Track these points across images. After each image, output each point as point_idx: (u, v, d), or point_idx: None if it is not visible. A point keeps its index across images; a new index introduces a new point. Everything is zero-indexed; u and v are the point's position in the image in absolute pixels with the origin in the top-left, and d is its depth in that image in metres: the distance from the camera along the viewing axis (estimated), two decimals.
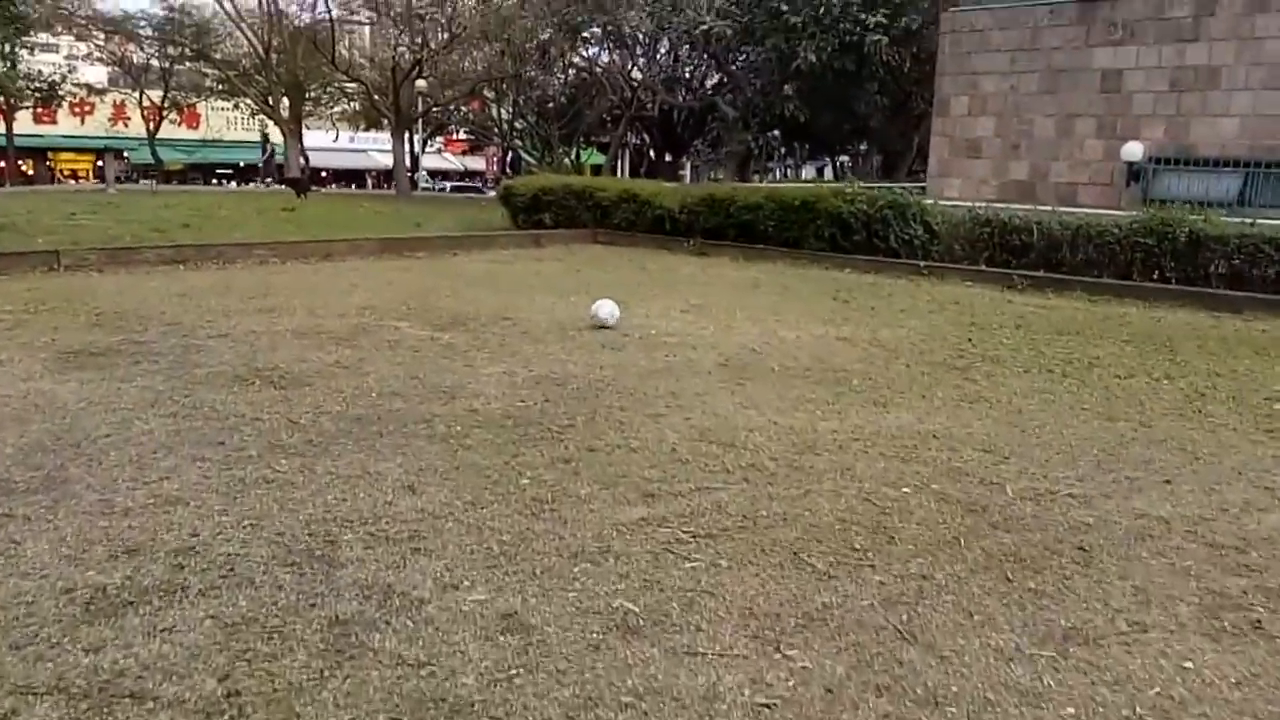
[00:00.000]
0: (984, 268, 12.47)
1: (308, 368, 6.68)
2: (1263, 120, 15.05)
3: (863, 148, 38.73)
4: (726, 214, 14.82)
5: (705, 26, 27.42)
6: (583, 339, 8.12)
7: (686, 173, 43.21)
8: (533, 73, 38.06)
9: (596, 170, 46.87)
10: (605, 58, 37.17)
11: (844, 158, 51.19)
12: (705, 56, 31.92)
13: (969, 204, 14.35)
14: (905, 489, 4.58)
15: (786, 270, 13.17)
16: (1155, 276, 11.27)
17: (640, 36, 30.86)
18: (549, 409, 5.82)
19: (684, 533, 3.95)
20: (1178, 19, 15.59)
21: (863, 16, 26.43)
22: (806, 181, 42.70)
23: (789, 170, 54.39)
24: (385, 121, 39.40)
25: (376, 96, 36.01)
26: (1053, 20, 16.99)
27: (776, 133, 33.31)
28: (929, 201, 13.76)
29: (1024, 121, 17.52)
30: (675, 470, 4.77)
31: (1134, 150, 15.98)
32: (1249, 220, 11.17)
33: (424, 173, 50.62)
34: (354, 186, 57.75)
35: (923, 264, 12.73)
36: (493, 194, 48.24)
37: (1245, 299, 10.42)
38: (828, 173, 54.44)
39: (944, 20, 18.74)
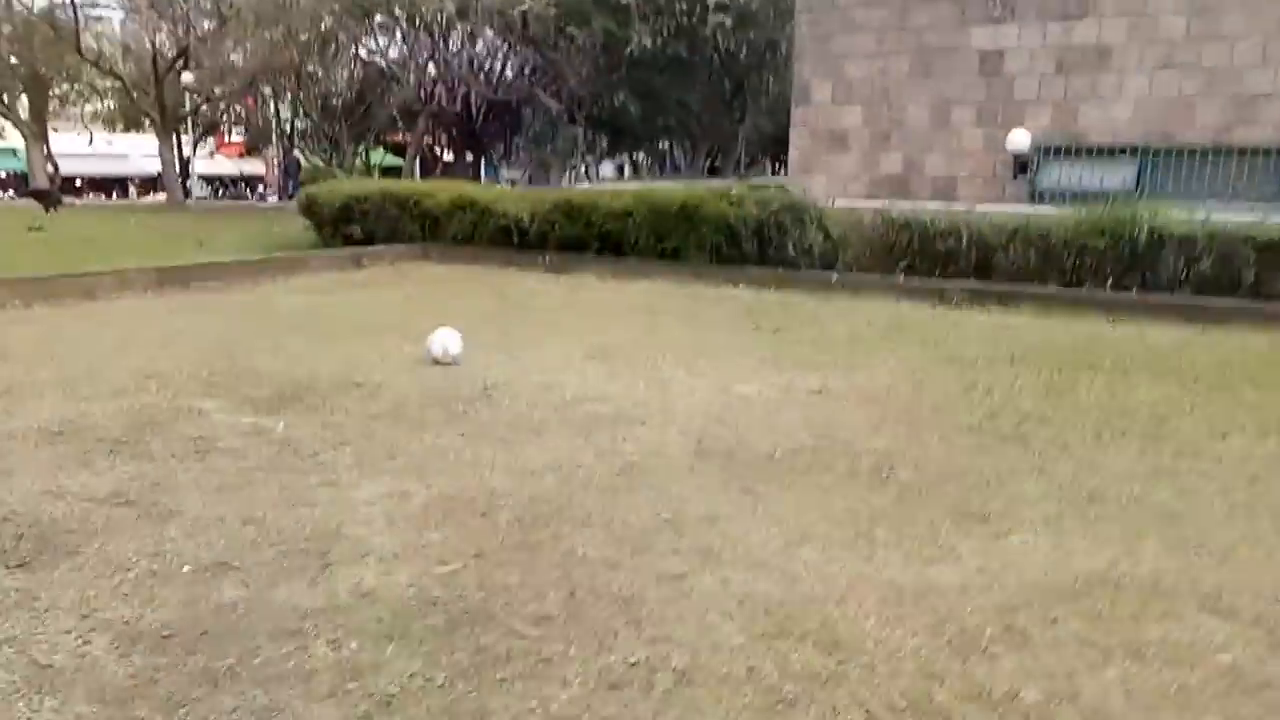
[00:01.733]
0: (903, 279, 10.83)
1: (63, 515, 4.02)
2: (1159, 103, 14.26)
3: (687, 143, 37.27)
4: (587, 223, 12.61)
5: (524, 8, 24.92)
6: (480, 416, 5.73)
7: (500, 174, 40.44)
8: (312, 67, 34.46)
9: (388, 173, 43.48)
10: (396, 49, 33.98)
11: (639, 154, 49.59)
12: (519, 43, 29.28)
13: (871, 204, 12.75)
14: None
15: (673, 290, 11.10)
16: (1110, 284, 9.93)
17: (442, 20, 27.96)
18: (489, 577, 3.49)
19: None
20: None
21: None
22: (607, 181, 40.81)
23: (587, 169, 52.35)
24: (148, 122, 34.65)
25: (135, 93, 31.44)
26: None
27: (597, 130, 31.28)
28: (825, 204, 12.07)
29: (895, 110, 16.21)
30: None
31: (1020, 139, 14.92)
32: (1202, 216, 9.99)
33: (196, 179, 45.57)
34: (114, 196, 51.57)
35: (834, 276, 10.97)
36: (274, 201, 44.11)
37: (1233, 309, 9.18)
38: (627, 171, 53.00)
39: None
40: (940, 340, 8.35)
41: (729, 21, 24.16)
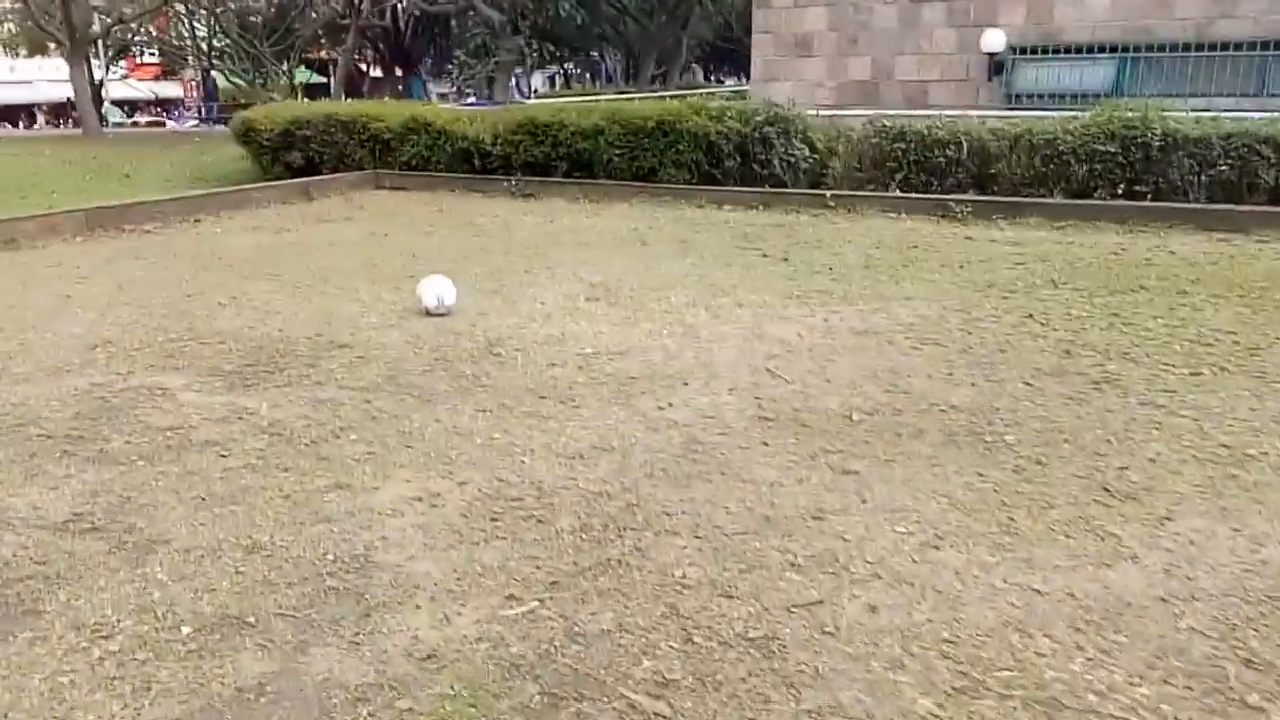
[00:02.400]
0: (900, 193, 10.10)
1: (11, 555, 3.18)
2: None
3: (620, 53, 35.62)
4: (554, 143, 11.61)
5: None
6: (495, 381, 4.94)
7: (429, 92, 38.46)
8: None
9: (310, 91, 41.26)
10: None
11: (569, 65, 47.51)
12: None
13: (853, 113, 11.93)
14: None
15: (656, 214, 10.26)
16: (1120, 192, 9.30)
17: None
18: (575, 618, 2.77)
19: None
20: None
21: None
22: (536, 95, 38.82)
23: (518, 81, 50.13)
24: (53, 46, 32.15)
25: (40, 15, 29.03)
26: None
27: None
28: (811, 113, 11.22)
29: (861, 11, 15.26)
30: None
31: (995, 39, 14.13)
32: (1212, 116, 9.37)
33: (109, 104, 42.86)
34: (21, 126, 48.43)
35: (828, 193, 10.19)
36: (193, 125, 41.65)
37: (1248, 215, 8.62)
38: (558, 83, 50.96)
39: None
40: (963, 262, 7.68)
41: None
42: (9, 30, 36.56)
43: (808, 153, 10.86)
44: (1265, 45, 13.04)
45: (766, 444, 4.09)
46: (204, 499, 3.55)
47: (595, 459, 3.91)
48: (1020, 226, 9.11)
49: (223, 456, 3.93)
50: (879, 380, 4.89)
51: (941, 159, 9.97)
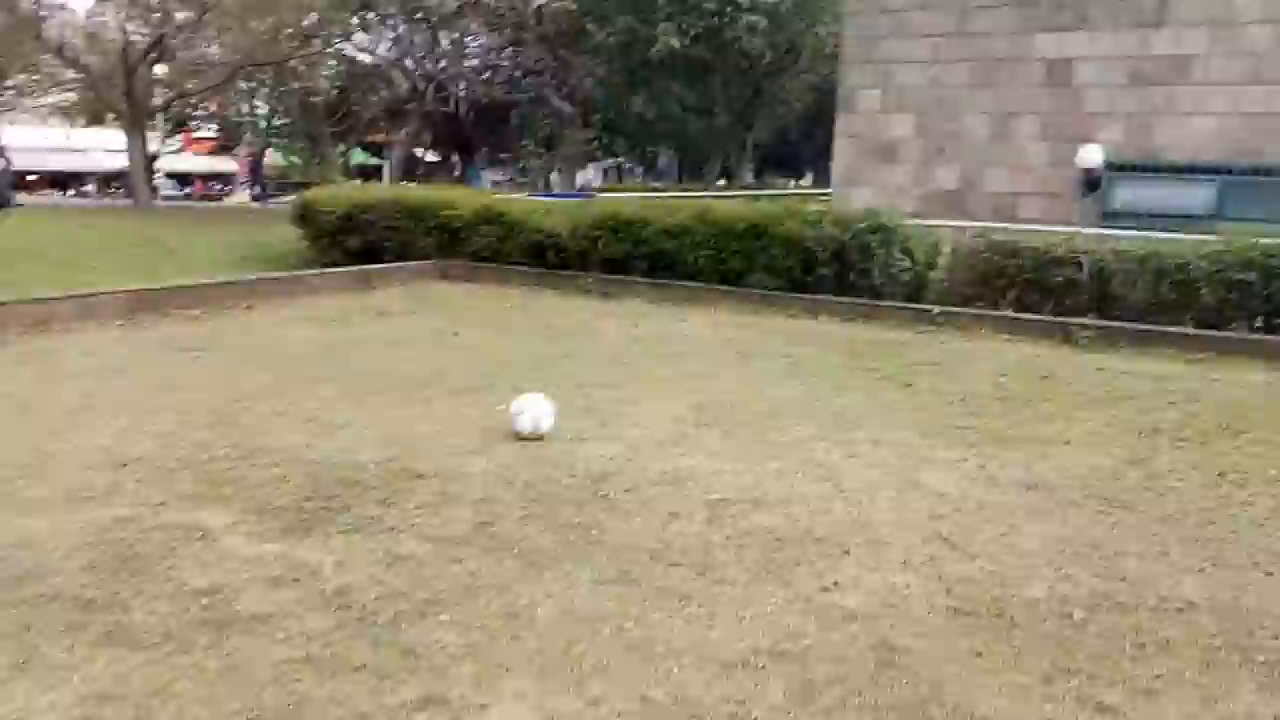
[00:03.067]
0: (1010, 313, 9.21)
1: None
2: (1244, 119, 12.75)
3: (673, 151, 35.29)
4: (635, 241, 10.88)
5: (540, 3, 22.99)
6: (609, 536, 4.01)
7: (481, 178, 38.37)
8: (294, 61, 32.40)
9: (365, 174, 41.40)
10: (385, 45, 31.96)
11: (622, 159, 46.39)
12: (532, 40, 27.15)
13: (964, 226, 11.14)
14: None
15: (749, 321, 9.42)
16: (1261, 324, 8.36)
17: (432, 19, 25.92)
18: None
19: None
20: None
21: None
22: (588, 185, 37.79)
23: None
24: (111, 116, 32.38)
25: (101, 85, 29.25)
26: (986, 0, 14.15)
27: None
28: (911, 224, 10.42)
29: (951, 120, 14.61)
30: None
31: (1092, 154, 13.38)
32: None
33: (163, 176, 43.27)
34: (69, 194, 48.95)
35: (936, 310, 9.32)
36: (242, 199, 41.79)
37: None
38: (605, 177, 50.53)
39: None
40: (1107, 398, 6.72)
41: (763, 22, 22.26)
42: (70, 100, 37.00)
43: (908, 264, 10.02)
44: None
45: (979, 654, 3.12)
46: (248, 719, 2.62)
47: (764, 671, 2.96)
48: (1151, 358, 8.15)
49: (276, 642, 3.01)
50: (1082, 559, 3.93)
51: (1059, 278, 9.08)
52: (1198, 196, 13.01)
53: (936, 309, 9.34)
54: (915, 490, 4.72)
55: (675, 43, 22.49)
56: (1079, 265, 9.02)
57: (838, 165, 15.85)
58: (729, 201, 11.23)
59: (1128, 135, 13.55)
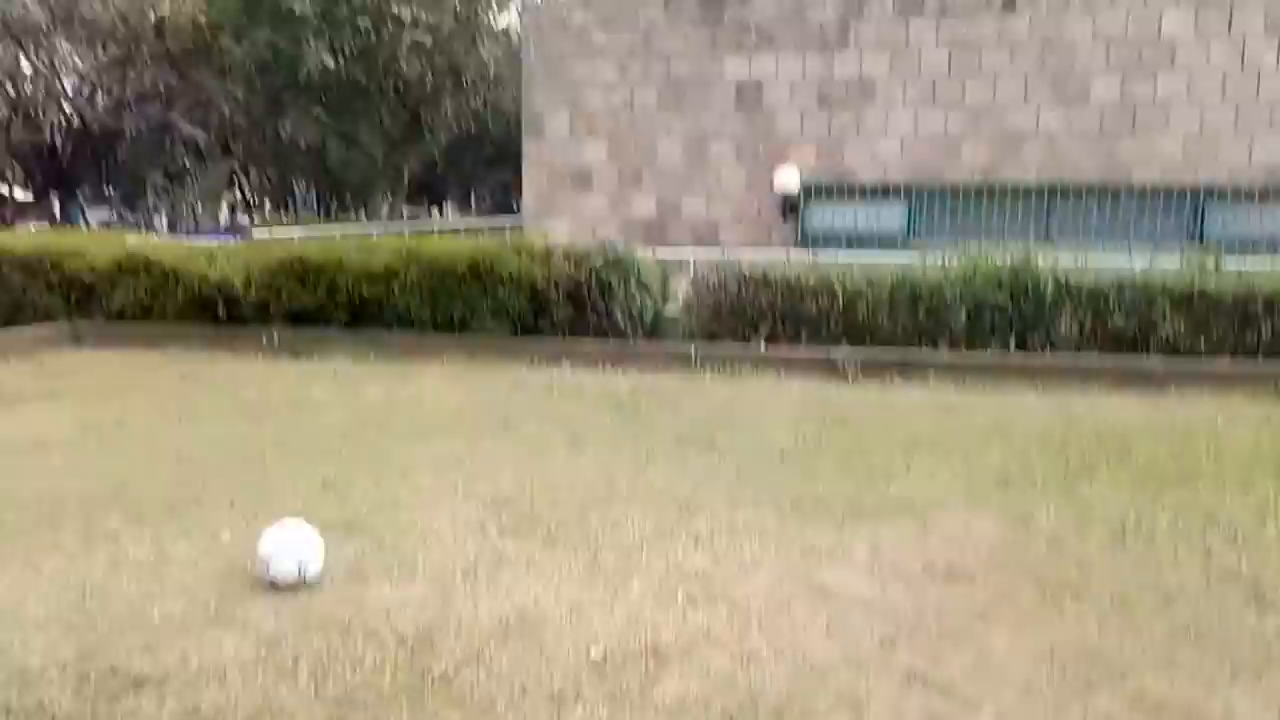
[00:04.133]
0: (765, 349, 8.60)
1: None
2: (926, 141, 13.27)
3: (309, 182, 32.37)
4: (330, 288, 9.14)
5: (162, 14, 19.68)
6: None
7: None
8: None
9: None
10: None
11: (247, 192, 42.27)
12: (150, 60, 23.31)
13: (712, 258, 10.45)
14: None
15: (491, 377, 8.06)
16: (1013, 344, 8.32)
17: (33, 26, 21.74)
18: None
19: None
20: (821, 22, 13.23)
21: (393, 8, 20.18)
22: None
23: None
24: None
25: None
26: (670, 19, 13.74)
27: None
28: (644, 256, 9.57)
29: (645, 145, 14.08)
30: None
31: (788, 178, 13.37)
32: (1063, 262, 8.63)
33: None
34: None
35: (693, 349, 8.49)
36: None
37: (1164, 372, 7.86)
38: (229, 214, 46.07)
39: (527, 13, 14.60)
40: (923, 441, 6.14)
41: (428, 40, 20.50)
42: None
43: (649, 300, 9.15)
44: (1051, 191, 13.16)
45: None
46: None
47: None
48: (924, 387, 7.83)
49: None
50: (1093, 685, 3.09)
51: (813, 308, 8.60)
52: (889, 216, 13.39)
53: (693, 348, 8.53)
54: (829, 601, 3.70)
55: (328, 61, 20.20)
56: (834, 294, 8.58)
57: (529, 194, 14.86)
58: (435, 239, 9.79)
59: (820, 158, 13.72)
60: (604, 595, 3.70)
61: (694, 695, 2.97)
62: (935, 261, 8.86)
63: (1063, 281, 8.38)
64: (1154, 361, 8.11)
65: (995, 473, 5.43)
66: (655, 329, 9.30)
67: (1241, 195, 12.97)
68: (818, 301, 8.61)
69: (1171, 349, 8.30)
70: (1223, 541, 4.41)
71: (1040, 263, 8.50)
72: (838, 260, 9.67)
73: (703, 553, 4.16)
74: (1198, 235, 12.93)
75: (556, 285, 8.88)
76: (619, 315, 8.91)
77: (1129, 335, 8.40)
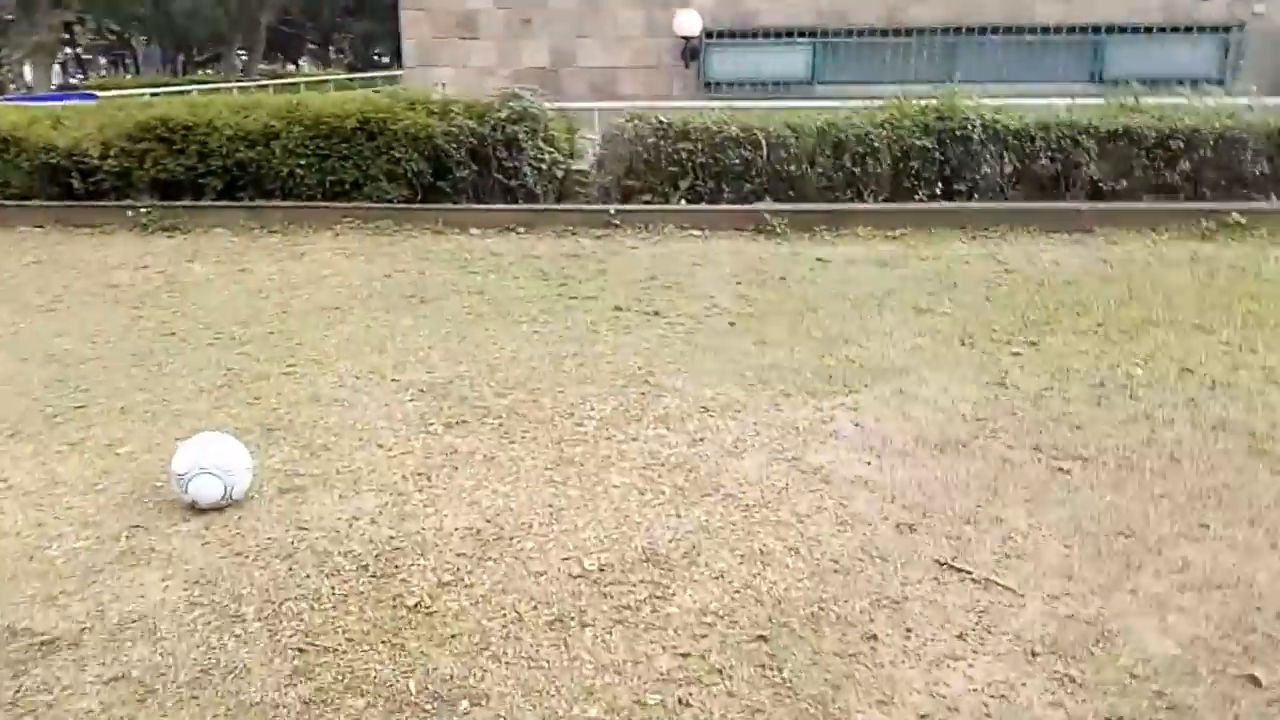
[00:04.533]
0: (685, 204, 8.10)
1: None
2: None
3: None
4: (203, 152, 8.16)
5: None
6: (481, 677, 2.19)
7: None
8: None
9: None
10: None
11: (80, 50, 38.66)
12: None
13: (603, 108, 9.70)
14: None
15: (395, 247, 7.36)
16: (939, 191, 8.01)
17: None
18: None
19: None
20: None
21: None
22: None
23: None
24: None
25: None
26: None
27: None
28: (553, 108, 8.80)
29: None
30: None
31: (689, 22, 12.57)
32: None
33: None
34: None
35: (612, 208, 7.93)
36: None
37: (1090, 214, 7.71)
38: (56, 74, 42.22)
39: None
40: (869, 296, 5.81)
41: None
42: None
43: (558, 156, 8.48)
44: (956, 30, 12.77)
45: None
46: None
47: None
48: (858, 240, 7.50)
49: None
50: (1132, 563, 2.86)
51: (737, 161, 8.09)
52: (793, 62, 12.85)
53: (613, 208, 7.96)
54: (829, 485, 3.37)
55: None
56: (757, 145, 8.07)
57: (409, 45, 13.70)
58: (317, 96, 8.81)
59: (722, 1, 12.97)
60: (581, 494, 3.28)
61: (713, 608, 2.60)
62: (843, 106, 8.45)
63: (989, 124, 8.05)
64: (1079, 203, 7.95)
65: (954, 329, 5.16)
66: (564, 189, 8.66)
67: (1140, 32, 12.85)
68: (741, 153, 8.09)
69: (1094, 190, 8.15)
70: (1203, 390, 4.25)
71: (964, 106, 8.13)
72: (746, 109, 9.10)
73: (677, 435, 3.76)
74: (1098, 74, 12.80)
75: (458, 142, 8.11)
76: (528, 174, 8.23)
77: (1051, 177, 8.20)
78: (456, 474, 3.43)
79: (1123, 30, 12.87)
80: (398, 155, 8.05)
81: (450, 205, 8.10)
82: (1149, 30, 12.75)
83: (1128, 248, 7.17)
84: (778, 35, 12.87)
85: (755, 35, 12.93)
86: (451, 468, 3.48)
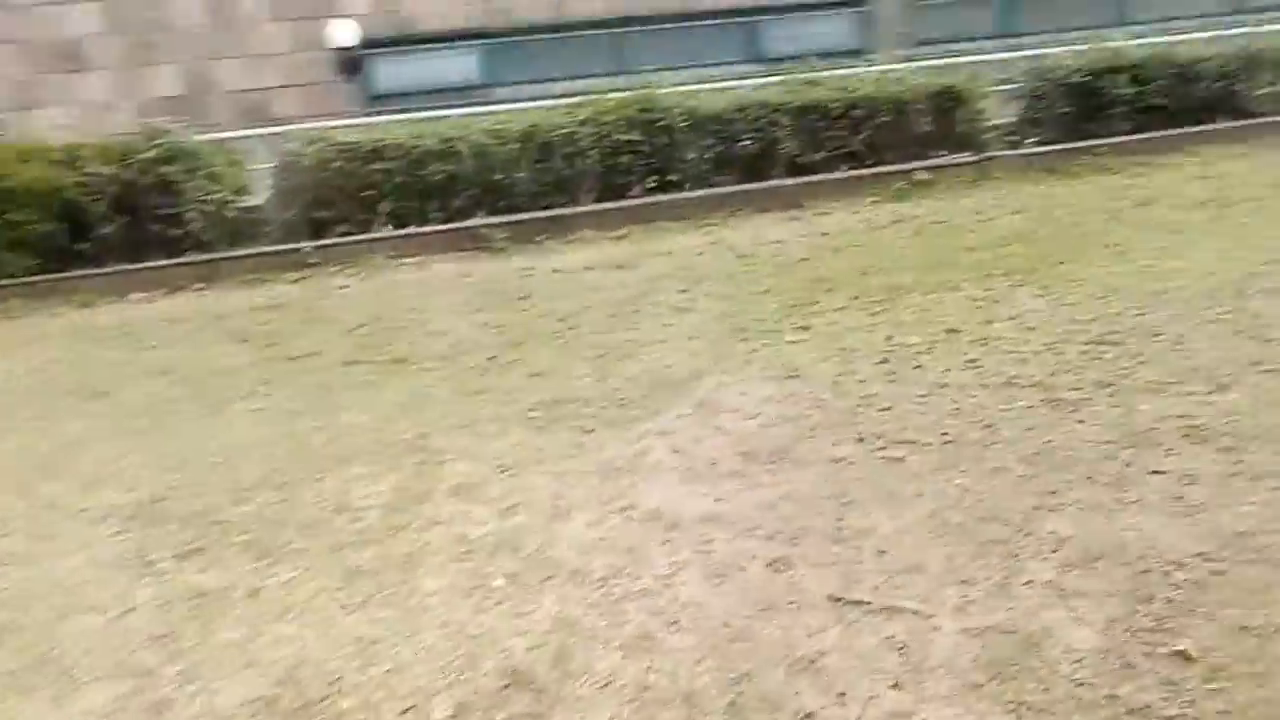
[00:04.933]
0: (391, 230, 7.31)
1: None
2: None
3: None
4: None
5: None
6: None
7: None
8: None
9: None
10: None
11: None
12: None
13: (281, 132, 8.55)
14: None
15: (39, 332, 6.03)
16: (655, 184, 7.76)
17: None
18: None
19: None
20: None
21: None
22: None
23: None
24: None
25: None
26: None
27: None
28: (207, 141, 7.59)
29: (151, 6, 11.47)
30: None
31: (344, 33, 11.55)
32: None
33: None
34: None
35: (307, 246, 6.97)
36: None
37: (802, 188, 7.76)
38: None
39: None
40: (620, 307, 5.42)
41: None
42: None
43: (225, 195, 7.40)
44: (623, 21, 12.80)
45: None
46: None
47: None
48: (582, 246, 7.07)
49: None
50: (1006, 541, 2.63)
51: (439, 175, 7.42)
52: (464, 66, 12.28)
53: (307, 245, 7.03)
54: (679, 537, 2.90)
55: None
56: (457, 156, 7.43)
57: None
58: None
59: (375, 7, 12.10)
60: (392, 614, 2.61)
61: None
62: (532, 106, 8.09)
63: (688, 111, 7.94)
64: (784, 180, 8.02)
65: (722, 326, 4.89)
66: (238, 232, 7.58)
67: (790, 12, 13.47)
68: (442, 166, 7.43)
69: (792, 165, 8.26)
70: (976, 348, 4.23)
71: (662, 94, 7.98)
72: (436, 119, 8.45)
73: (482, 508, 3.16)
74: (759, 54, 13.28)
75: (97, 194, 6.85)
76: (194, 219, 7.10)
77: (753, 156, 8.23)
78: (214, 625, 2.62)
79: (775, 10, 13.45)
80: (17, 219, 6.63)
81: (98, 270, 6.81)
82: (797, 9, 13.41)
83: (837, 218, 7.27)
84: (443, 40, 12.24)
85: (420, 42, 12.21)
86: (204, 618, 2.66)
